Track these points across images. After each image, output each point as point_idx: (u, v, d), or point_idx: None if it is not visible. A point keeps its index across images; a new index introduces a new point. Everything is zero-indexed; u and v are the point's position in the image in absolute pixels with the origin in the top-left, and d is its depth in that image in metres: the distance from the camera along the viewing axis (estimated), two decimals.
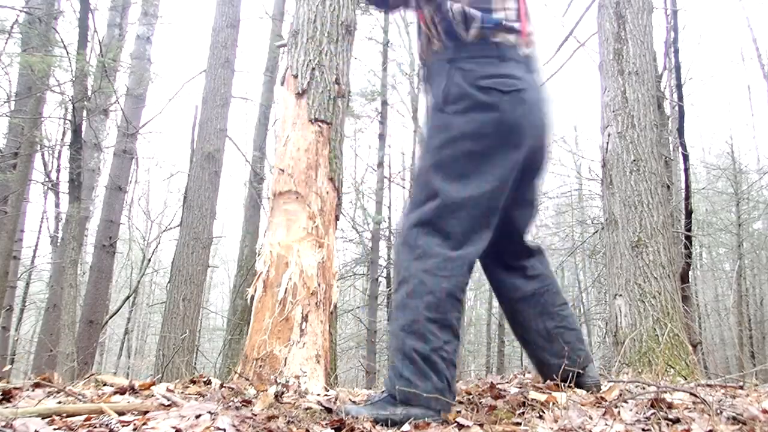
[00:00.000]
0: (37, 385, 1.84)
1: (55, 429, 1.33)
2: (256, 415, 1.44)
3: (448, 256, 1.54)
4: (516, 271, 1.89)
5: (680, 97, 6.83)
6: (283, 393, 1.88)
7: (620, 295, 4.11)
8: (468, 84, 1.63)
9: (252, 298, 2.70)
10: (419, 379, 1.44)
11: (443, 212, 1.58)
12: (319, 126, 2.91)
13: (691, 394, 1.53)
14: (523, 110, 1.62)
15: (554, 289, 1.89)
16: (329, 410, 1.55)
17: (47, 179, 9.83)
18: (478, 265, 1.77)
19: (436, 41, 1.74)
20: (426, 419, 1.42)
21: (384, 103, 10.85)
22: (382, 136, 10.81)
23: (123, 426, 1.35)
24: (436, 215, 1.58)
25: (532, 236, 1.93)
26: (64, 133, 9.62)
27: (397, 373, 1.48)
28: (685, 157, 6.53)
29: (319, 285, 2.68)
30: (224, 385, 2.17)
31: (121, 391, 1.86)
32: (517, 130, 1.61)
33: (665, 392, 1.60)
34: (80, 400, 1.67)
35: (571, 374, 1.79)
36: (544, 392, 1.65)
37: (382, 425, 1.42)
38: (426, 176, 1.65)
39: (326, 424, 1.40)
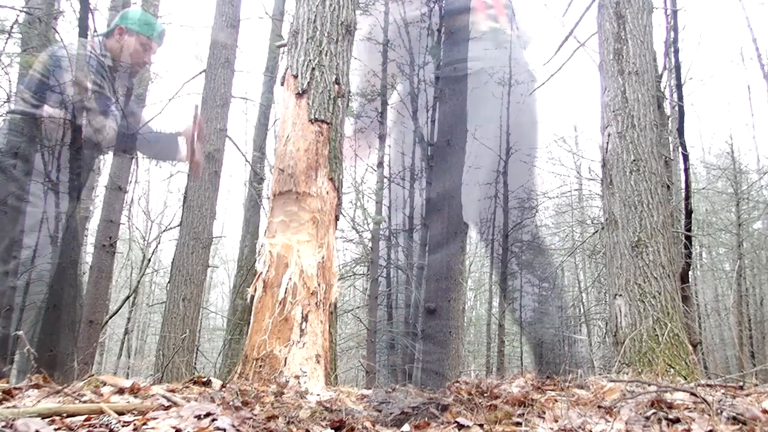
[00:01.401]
0: (37, 386, 1.84)
1: (55, 429, 1.32)
2: (256, 415, 1.44)
3: None
4: None
5: (680, 97, 6.82)
6: (283, 393, 1.88)
7: (620, 295, 4.10)
8: None
9: (252, 298, 2.70)
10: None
11: None
12: (319, 126, 2.91)
13: (691, 394, 1.53)
14: None
15: None
16: (329, 410, 1.55)
17: (47, 179, 9.82)
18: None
19: None
20: (426, 419, 1.42)
21: (384, 102, 10.85)
22: (382, 136, 10.80)
23: (123, 426, 1.35)
24: None
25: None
26: (64, 134, 9.60)
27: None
28: (685, 157, 6.51)
29: (319, 285, 2.68)
30: (224, 385, 2.17)
31: (121, 391, 1.86)
32: None
33: (665, 392, 1.60)
34: (80, 400, 1.67)
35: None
36: (544, 392, 1.65)
37: (381, 425, 1.42)
38: None
39: (326, 424, 1.40)
